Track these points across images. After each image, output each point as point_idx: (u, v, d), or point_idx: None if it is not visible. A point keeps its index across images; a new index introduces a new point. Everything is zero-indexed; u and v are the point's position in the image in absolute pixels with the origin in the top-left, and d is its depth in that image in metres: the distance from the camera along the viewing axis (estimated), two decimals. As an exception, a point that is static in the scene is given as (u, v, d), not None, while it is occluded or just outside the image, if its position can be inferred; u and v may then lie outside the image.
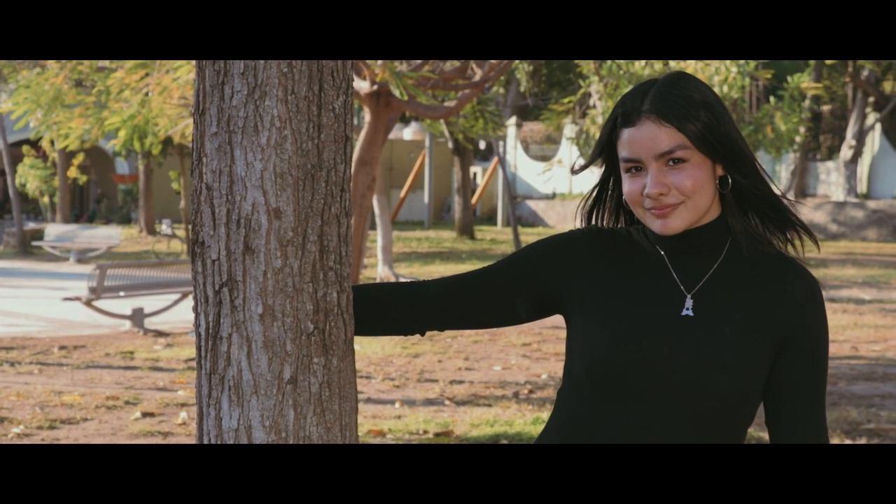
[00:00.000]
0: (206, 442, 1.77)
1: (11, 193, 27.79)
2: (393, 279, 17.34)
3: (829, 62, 30.55)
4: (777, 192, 1.90)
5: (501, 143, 29.70)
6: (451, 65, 10.14)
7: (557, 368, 9.82)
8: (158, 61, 9.25)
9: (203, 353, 1.77)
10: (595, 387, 1.85)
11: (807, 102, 26.26)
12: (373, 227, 22.02)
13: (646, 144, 1.81)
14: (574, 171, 1.99)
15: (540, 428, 7.12)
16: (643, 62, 13.50)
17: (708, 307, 1.84)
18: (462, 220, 30.72)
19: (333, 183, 1.77)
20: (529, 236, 25.73)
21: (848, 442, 6.87)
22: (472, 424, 7.42)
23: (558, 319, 2.02)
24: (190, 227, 1.83)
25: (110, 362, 10.14)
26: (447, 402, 8.29)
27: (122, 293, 12.49)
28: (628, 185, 1.85)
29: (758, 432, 6.53)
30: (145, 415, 7.70)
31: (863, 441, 6.98)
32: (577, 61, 16.04)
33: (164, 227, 27.35)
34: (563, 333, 11.67)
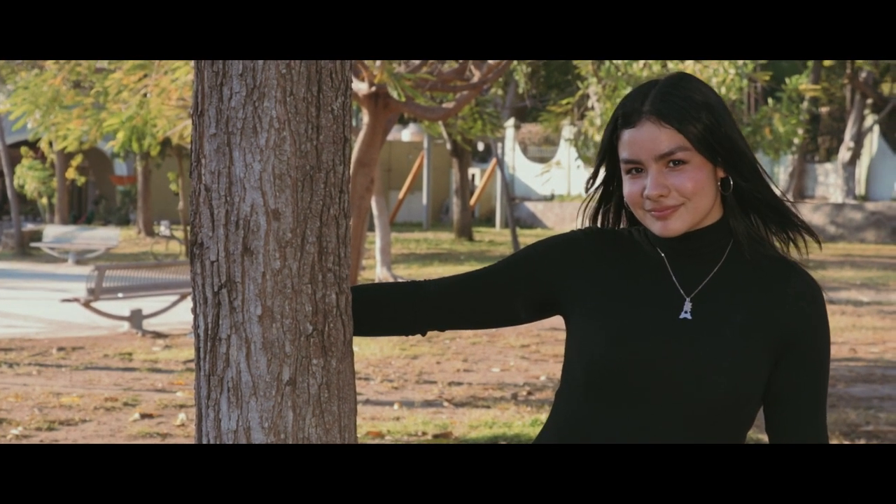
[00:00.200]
0: (205, 443, 1.77)
1: (10, 194, 27.77)
2: (391, 280, 17.33)
3: (827, 64, 30.60)
4: (778, 193, 1.89)
5: (500, 144, 29.72)
6: (449, 66, 10.13)
7: (556, 370, 9.81)
8: (157, 63, 9.25)
9: (202, 354, 1.77)
10: (593, 388, 1.84)
11: (805, 104, 26.26)
12: (371, 228, 22.01)
13: (646, 146, 1.80)
14: (588, 188, 1.98)
15: (538, 429, 7.11)
16: (642, 64, 13.51)
17: (708, 310, 1.83)
18: (460, 221, 30.73)
19: (332, 184, 1.77)
20: (528, 238, 25.73)
21: (846, 444, 6.87)
22: (471, 426, 7.42)
23: (557, 321, 2.02)
24: (188, 228, 1.84)
25: (109, 364, 10.14)
26: (446, 404, 8.29)
27: (120, 294, 12.48)
28: (628, 187, 1.84)
29: (756, 434, 6.53)
30: (144, 416, 7.69)
31: (861, 443, 6.98)
32: (575, 63, 16.05)
33: (163, 229, 27.35)
34: (561, 335, 11.69)
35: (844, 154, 32.05)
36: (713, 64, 13.84)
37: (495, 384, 9.20)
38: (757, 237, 1.87)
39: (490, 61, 10.01)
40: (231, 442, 1.74)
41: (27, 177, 34.15)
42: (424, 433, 7.21)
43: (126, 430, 7.30)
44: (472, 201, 34.96)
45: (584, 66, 14.83)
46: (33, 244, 26.26)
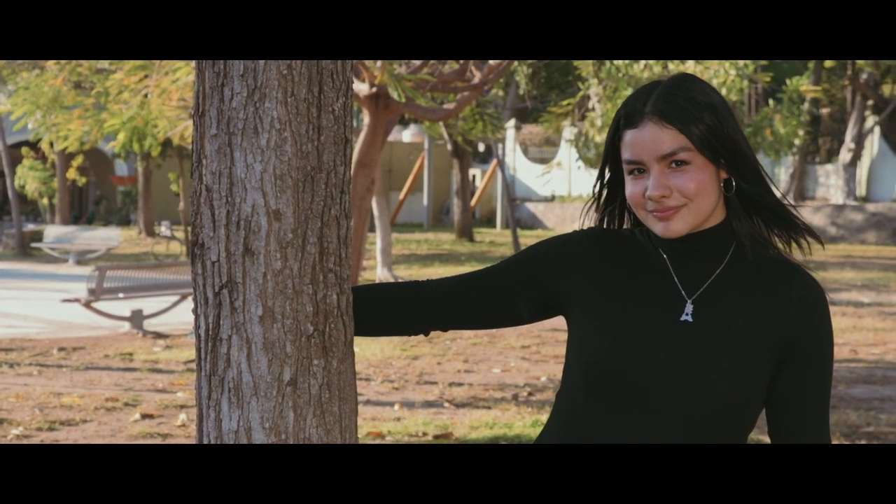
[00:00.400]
0: (205, 444, 1.77)
1: (10, 195, 27.77)
2: (392, 281, 17.33)
3: (828, 65, 30.59)
4: (778, 195, 1.88)
5: (500, 145, 29.70)
6: (450, 67, 10.14)
7: (556, 371, 9.81)
8: (158, 63, 9.25)
9: (203, 354, 1.77)
10: (593, 389, 1.84)
11: (806, 105, 26.28)
12: (372, 229, 22.02)
13: (648, 146, 1.79)
14: (594, 190, 1.97)
15: (539, 430, 7.11)
16: (642, 65, 13.51)
17: (709, 312, 1.82)
18: (461, 222, 30.73)
19: (333, 185, 1.77)
20: (528, 238, 25.73)
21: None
22: (471, 427, 7.42)
23: (557, 322, 2.02)
24: (189, 228, 1.84)
25: (109, 364, 10.14)
26: (446, 405, 8.29)
27: (121, 295, 12.48)
28: (630, 187, 1.83)
29: (757, 435, 6.53)
30: (144, 416, 7.69)
31: (862, 443, 6.98)
32: (576, 64, 16.04)
33: (164, 229, 27.36)
34: (561, 336, 11.69)
35: (845, 155, 32.04)
36: (714, 65, 13.85)
37: (496, 385, 9.20)
38: (760, 239, 1.86)
39: (491, 62, 10.02)
40: (232, 442, 1.74)
41: (28, 177, 34.16)
42: (425, 434, 7.21)
43: (127, 430, 7.30)
44: (473, 202, 34.97)
45: (585, 66, 14.83)
46: (34, 244, 26.26)
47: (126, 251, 26.50)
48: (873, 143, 32.58)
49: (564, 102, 16.43)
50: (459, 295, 1.96)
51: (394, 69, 8.61)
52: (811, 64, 27.60)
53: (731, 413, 1.80)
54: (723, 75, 14.08)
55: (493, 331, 11.96)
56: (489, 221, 37.90)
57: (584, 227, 1.98)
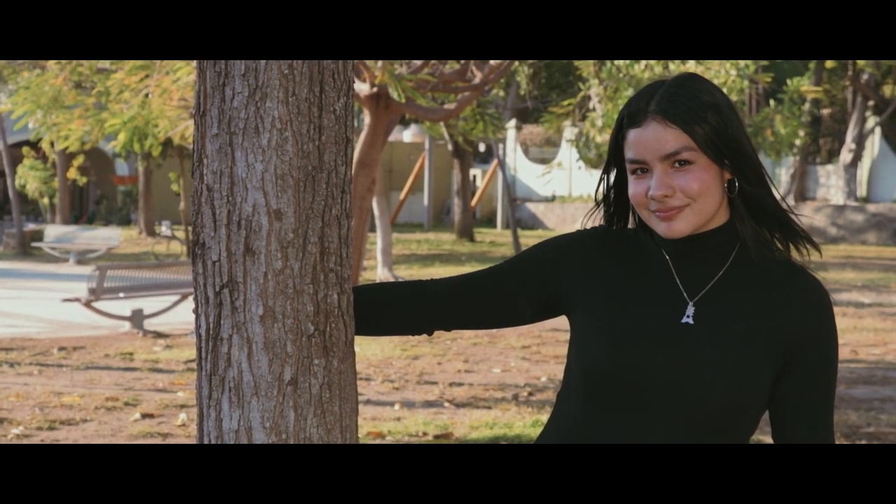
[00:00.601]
0: (206, 443, 1.77)
1: (11, 194, 27.79)
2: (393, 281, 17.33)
3: (828, 65, 30.58)
4: (778, 198, 1.87)
5: (501, 145, 29.72)
6: (450, 67, 10.13)
7: (557, 371, 9.81)
8: (158, 63, 9.25)
9: (203, 354, 1.77)
10: (594, 389, 1.83)
11: (806, 106, 26.28)
12: (372, 229, 22.02)
13: (651, 145, 1.78)
14: (597, 190, 1.96)
15: (539, 430, 7.11)
16: (643, 65, 13.50)
17: (711, 313, 1.81)
18: (462, 222, 30.73)
19: (334, 185, 1.77)
20: (529, 239, 25.73)
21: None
22: (472, 427, 7.42)
23: (557, 322, 2.02)
24: (190, 228, 1.84)
25: (110, 363, 10.14)
26: (446, 405, 8.29)
27: (121, 294, 12.49)
28: (633, 187, 1.82)
29: (757, 436, 6.53)
30: (145, 416, 7.69)
31: (862, 443, 6.98)
32: (577, 64, 16.03)
33: (164, 229, 27.36)
34: (562, 336, 11.69)
35: (846, 156, 32.04)
36: (714, 65, 13.84)
37: (496, 385, 9.20)
38: (764, 240, 1.85)
39: (492, 62, 10.02)
40: (232, 442, 1.74)
41: (29, 177, 34.16)
42: (425, 434, 7.21)
43: (127, 429, 7.30)
44: (474, 202, 34.96)
45: (586, 67, 14.81)
46: (35, 244, 26.26)
47: (126, 251, 26.50)
48: (874, 143, 32.58)
49: (565, 103, 16.41)
50: (461, 295, 1.95)
51: (394, 69, 8.60)
52: (812, 64, 27.58)
53: (733, 414, 1.79)
54: (723, 75, 14.07)
55: (494, 331, 11.96)
56: (490, 221, 37.90)
57: (587, 227, 1.97)
